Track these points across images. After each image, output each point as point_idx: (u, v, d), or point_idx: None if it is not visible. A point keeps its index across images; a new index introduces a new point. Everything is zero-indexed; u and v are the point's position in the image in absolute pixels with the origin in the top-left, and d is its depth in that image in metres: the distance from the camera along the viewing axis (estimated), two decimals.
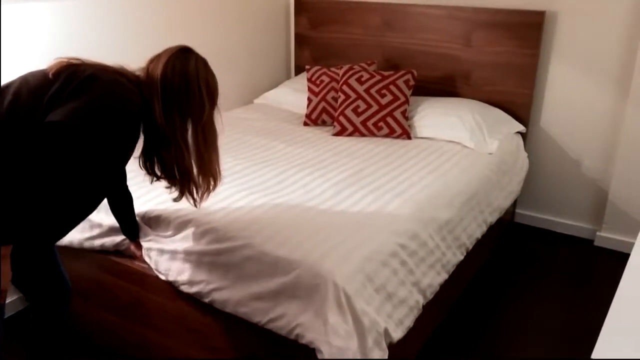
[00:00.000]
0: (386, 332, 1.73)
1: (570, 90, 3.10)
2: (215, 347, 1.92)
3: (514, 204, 3.37)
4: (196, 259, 1.88)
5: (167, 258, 1.95)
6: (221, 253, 1.83)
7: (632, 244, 2.72)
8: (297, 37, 3.82)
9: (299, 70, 3.87)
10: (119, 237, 2.05)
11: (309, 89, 3.23)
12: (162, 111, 1.57)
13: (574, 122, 3.14)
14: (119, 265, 2.08)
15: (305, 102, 3.25)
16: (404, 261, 1.90)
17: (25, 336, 1.85)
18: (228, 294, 1.80)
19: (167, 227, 1.98)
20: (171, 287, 1.95)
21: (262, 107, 3.45)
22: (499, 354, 2.31)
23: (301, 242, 1.79)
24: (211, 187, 1.76)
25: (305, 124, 3.15)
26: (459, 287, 2.68)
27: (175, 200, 1.77)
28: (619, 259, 2.87)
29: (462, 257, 2.31)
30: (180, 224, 1.95)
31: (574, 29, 3.00)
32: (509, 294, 2.74)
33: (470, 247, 2.40)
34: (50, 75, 1.46)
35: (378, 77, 3.04)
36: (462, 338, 2.40)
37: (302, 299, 1.68)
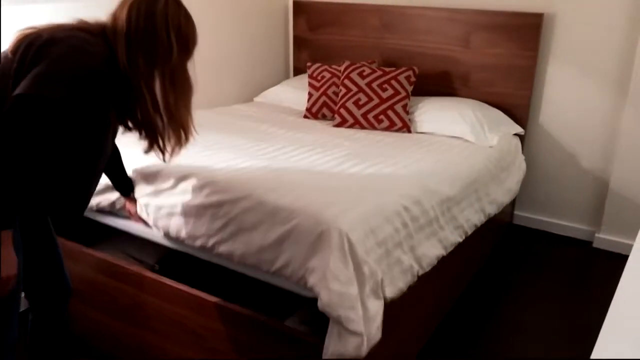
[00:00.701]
0: (382, 284, 1.74)
1: (568, 91, 3.11)
2: (214, 349, 1.92)
3: (513, 206, 3.38)
4: (196, 212, 1.86)
5: (165, 213, 1.92)
6: (221, 205, 1.81)
7: (631, 246, 2.72)
8: (296, 39, 3.83)
9: (297, 72, 3.87)
10: (114, 195, 2.05)
11: (310, 85, 3.25)
12: (126, 54, 1.47)
13: (573, 123, 3.14)
14: (117, 268, 2.08)
15: (305, 99, 3.26)
16: (406, 223, 1.92)
17: (26, 336, 1.84)
18: (232, 246, 1.78)
19: (167, 180, 1.96)
20: (170, 289, 1.94)
21: (261, 104, 3.45)
22: (498, 354, 2.31)
23: (303, 194, 1.79)
24: (182, 142, 1.65)
25: (306, 117, 3.17)
26: (459, 288, 2.68)
27: (144, 152, 1.66)
28: (618, 261, 2.87)
29: (459, 239, 2.31)
30: (180, 177, 1.93)
31: (572, 30, 3.01)
32: (508, 295, 2.74)
33: (469, 231, 2.40)
34: (9, 54, 1.42)
35: (380, 73, 3.08)
36: (462, 339, 2.40)
37: (305, 246, 1.67)
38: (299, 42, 3.82)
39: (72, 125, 1.45)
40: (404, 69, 3.09)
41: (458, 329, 2.46)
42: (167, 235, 1.95)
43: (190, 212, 1.89)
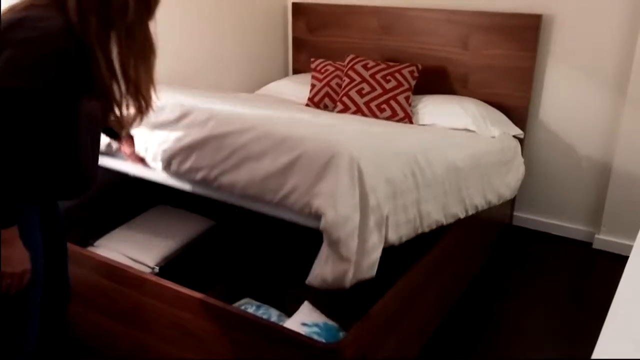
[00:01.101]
0: (387, 222, 1.71)
1: (567, 93, 3.11)
2: (214, 352, 1.91)
3: (512, 207, 3.38)
4: (199, 144, 1.82)
5: (167, 147, 1.88)
6: (227, 136, 1.78)
7: (631, 247, 2.72)
8: (295, 40, 3.83)
9: (296, 73, 3.87)
10: (107, 138, 2.03)
11: (313, 77, 3.29)
12: (77, 14, 1.35)
13: (572, 124, 3.14)
14: (117, 270, 2.07)
15: (306, 93, 3.30)
16: (414, 173, 1.92)
17: None
18: (235, 176, 1.75)
19: (170, 114, 1.92)
20: (170, 291, 1.94)
21: (263, 95, 3.44)
22: (498, 355, 2.31)
23: (312, 129, 1.78)
24: (143, 110, 1.53)
25: (308, 105, 3.19)
26: (459, 289, 2.68)
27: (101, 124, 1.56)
28: (618, 261, 2.87)
29: (459, 214, 2.30)
30: (185, 112, 1.89)
31: (571, 32, 3.01)
32: (507, 296, 2.74)
33: (469, 210, 2.40)
34: None
35: (383, 66, 3.14)
36: (462, 340, 2.40)
37: (313, 171, 1.64)
38: (298, 43, 3.82)
39: (52, 110, 1.40)
40: (408, 64, 3.15)
41: (458, 330, 2.46)
42: (167, 168, 1.88)
43: (194, 145, 1.83)
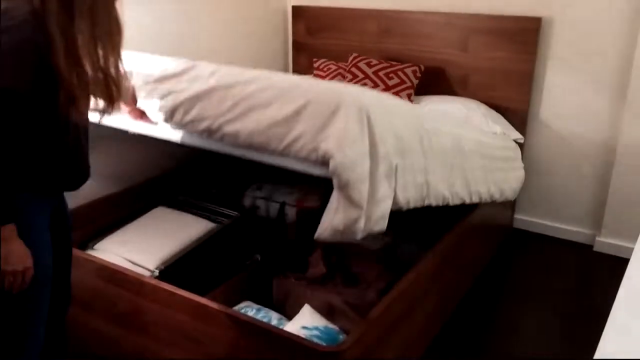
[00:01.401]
0: (396, 174, 1.69)
1: (567, 95, 3.11)
2: (214, 356, 1.91)
3: (513, 209, 3.37)
4: (205, 94, 1.79)
5: (171, 98, 1.85)
6: (234, 86, 1.74)
7: (632, 249, 2.72)
8: (295, 43, 3.83)
9: None
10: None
11: (316, 75, 3.36)
12: None
13: (572, 127, 3.14)
14: (116, 274, 2.07)
15: None
16: (422, 138, 1.89)
17: None
18: (240, 125, 1.71)
19: (176, 67, 1.90)
20: (169, 295, 1.94)
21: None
22: (499, 358, 2.30)
23: (320, 82, 1.76)
24: (114, 97, 1.45)
25: None
26: (460, 292, 2.68)
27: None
28: (619, 264, 2.86)
29: (465, 197, 2.28)
30: (191, 65, 1.87)
31: (571, 34, 3.01)
32: (509, 299, 2.73)
33: (473, 196, 2.39)
34: None
35: (386, 64, 3.19)
36: (464, 343, 2.39)
37: (322, 117, 1.60)
38: (298, 46, 3.82)
39: (37, 104, 1.36)
40: (410, 64, 3.18)
41: (460, 333, 2.45)
42: (169, 120, 1.85)
43: (198, 95, 1.80)
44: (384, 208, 1.65)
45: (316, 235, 1.60)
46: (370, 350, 1.82)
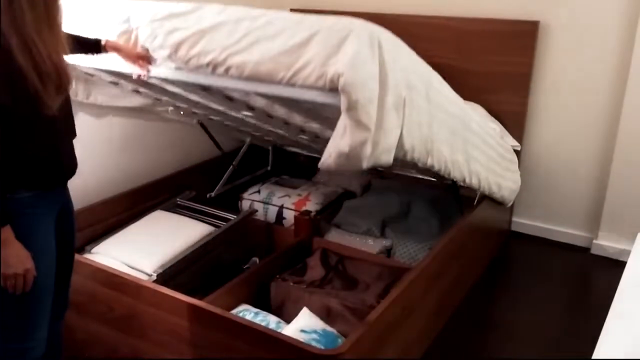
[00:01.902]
0: (404, 105, 1.66)
1: (565, 99, 3.12)
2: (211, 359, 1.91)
3: (511, 213, 3.38)
4: (212, 28, 1.75)
5: (177, 35, 1.81)
6: (240, 20, 1.71)
7: (628, 252, 2.72)
8: None
9: None
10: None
11: None
12: None
13: (569, 130, 3.15)
14: (115, 277, 2.07)
15: None
16: (428, 92, 1.87)
17: None
18: (246, 56, 1.68)
19: (183, 5, 1.85)
20: (167, 298, 1.93)
21: None
22: (496, 359, 2.31)
23: (331, 17, 1.68)
24: (63, 85, 1.41)
25: None
26: (459, 295, 2.68)
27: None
28: (616, 267, 2.87)
29: (464, 173, 2.25)
30: (197, 6, 1.82)
31: (568, 38, 3.02)
32: (507, 301, 2.73)
33: (473, 178, 2.35)
34: None
35: None
36: (462, 345, 2.39)
37: (332, 43, 1.56)
38: None
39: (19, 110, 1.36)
40: None
41: (459, 336, 2.45)
42: (173, 55, 1.82)
43: (206, 29, 1.76)
44: (392, 139, 1.62)
45: (320, 162, 1.56)
46: (369, 353, 1.82)
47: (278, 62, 1.63)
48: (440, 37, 3.29)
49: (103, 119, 2.67)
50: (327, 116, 2.03)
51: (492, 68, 3.17)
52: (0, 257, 1.38)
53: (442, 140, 2.01)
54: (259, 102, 2.15)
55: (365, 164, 1.55)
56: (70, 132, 1.61)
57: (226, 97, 2.17)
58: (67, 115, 1.57)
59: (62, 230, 1.65)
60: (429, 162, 1.95)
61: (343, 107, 1.52)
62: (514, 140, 3.14)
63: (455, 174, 2.18)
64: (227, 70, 1.71)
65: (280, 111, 2.20)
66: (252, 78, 1.68)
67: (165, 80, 2.04)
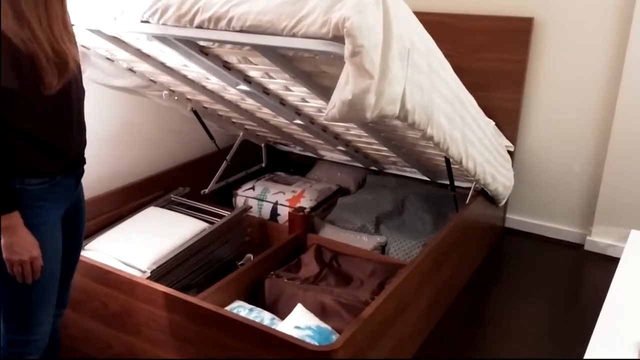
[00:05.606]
0: (409, 55, 1.65)
1: (559, 95, 3.12)
2: (206, 356, 1.91)
3: (505, 209, 3.39)
4: None
5: None
6: None
7: (622, 248, 2.74)
8: None
9: None
10: None
11: None
12: None
13: (563, 127, 3.16)
14: (108, 274, 2.06)
15: None
16: (430, 61, 1.86)
17: None
18: (248, 6, 1.65)
19: None
20: (161, 295, 1.93)
21: None
22: (491, 357, 2.31)
23: None
24: (67, 70, 1.40)
25: None
26: (453, 291, 2.69)
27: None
28: (609, 263, 2.88)
29: (461, 152, 2.23)
30: None
31: (563, 35, 3.03)
32: (501, 298, 2.74)
33: (469, 161, 2.33)
34: None
35: None
36: (456, 342, 2.40)
37: None
38: None
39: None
40: None
41: (452, 332, 2.46)
42: (178, 10, 1.78)
43: None
44: (396, 90, 1.60)
45: (325, 113, 1.54)
46: (363, 349, 1.83)
47: (281, 10, 1.60)
48: (435, 33, 3.27)
49: (96, 116, 2.66)
50: (326, 85, 2.00)
51: (487, 65, 3.18)
52: (6, 242, 1.38)
53: (442, 112, 1.98)
54: (256, 73, 2.13)
55: (370, 115, 1.51)
56: (80, 122, 1.57)
57: (224, 66, 2.14)
58: (77, 102, 1.53)
59: (71, 229, 1.65)
60: (429, 131, 1.91)
61: (347, 53, 1.49)
62: (507, 141, 3.14)
63: (453, 151, 2.15)
64: (229, 22, 1.67)
65: (276, 84, 2.18)
66: (254, 29, 1.64)
67: (167, 40, 1.98)
